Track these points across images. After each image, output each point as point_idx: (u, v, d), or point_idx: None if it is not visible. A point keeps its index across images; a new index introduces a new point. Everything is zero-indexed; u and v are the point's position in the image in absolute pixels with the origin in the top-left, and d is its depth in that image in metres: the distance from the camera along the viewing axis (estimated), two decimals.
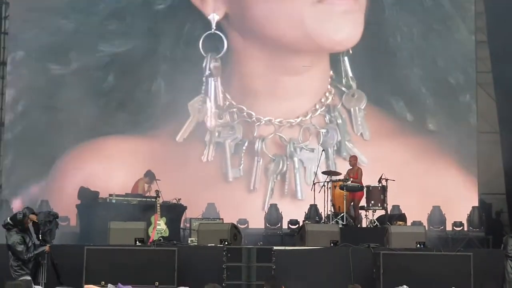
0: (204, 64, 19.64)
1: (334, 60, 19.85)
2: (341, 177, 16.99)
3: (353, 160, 17.50)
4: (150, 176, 17.54)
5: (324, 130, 19.69)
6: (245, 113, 19.70)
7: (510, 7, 18.45)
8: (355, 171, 17.16)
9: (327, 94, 19.86)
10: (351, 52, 19.75)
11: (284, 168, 19.53)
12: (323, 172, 17.24)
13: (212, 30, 19.69)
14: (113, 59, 19.55)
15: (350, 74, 19.78)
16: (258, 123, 19.67)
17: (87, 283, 13.24)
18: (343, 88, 19.81)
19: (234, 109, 19.70)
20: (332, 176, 16.93)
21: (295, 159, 19.56)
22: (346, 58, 19.77)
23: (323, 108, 19.78)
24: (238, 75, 19.76)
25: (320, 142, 19.54)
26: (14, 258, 12.66)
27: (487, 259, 14.15)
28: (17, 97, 19.64)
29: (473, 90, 19.81)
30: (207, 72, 19.67)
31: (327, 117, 19.76)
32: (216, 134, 19.62)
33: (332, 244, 14.35)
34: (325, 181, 16.75)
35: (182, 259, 13.63)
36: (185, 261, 13.68)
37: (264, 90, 19.73)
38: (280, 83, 19.73)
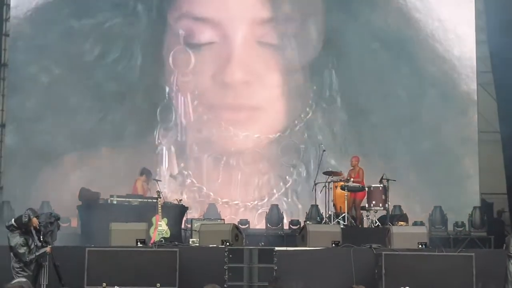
0: (172, 79, 19.65)
1: (318, 73, 19.80)
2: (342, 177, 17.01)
3: (355, 160, 17.45)
4: (146, 173, 17.47)
5: (303, 146, 19.65)
6: (223, 128, 19.64)
7: (510, 6, 18.46)
8: (357, 171, 17.14)
9: (307, 109, 19.80)
10: (337, 64, 19.70)
11: (261, 183, 19.52)
12: (324, 173, 17.21)
13: (181, 45, 19.69)
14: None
15: (336, 87, 19.74)
16: (237, 138, 19.61)
17: (88, 285, 13.22)
18: (324, 105, 19.76)
19: (212, 124, 19.66)
20: (333, 176, 16.92)
21: (272, 174, 19.54)
22: (333, 71, 19.73)
23: (302, 123, 19.73)
24: (215, 89, 19.66)
25: (301, 158, 19.52)
26: (16, 260, 12.62)
27: (489, 259, 14.12)
28: (18, 97, 19.65)
29: (473, 90, 19.80)
30: (175, 88, 19.65)
31: (306, 134, 19.70)
32: (196, 148, 19.58)
33: (333, 245, 14.32)
34: (326, 182, 16.73)
35: (183, 260, 13.61)
36: (186, 262, 13.66)
37: (242, 105, 19.67)
38: (257, 98, 19.67)
